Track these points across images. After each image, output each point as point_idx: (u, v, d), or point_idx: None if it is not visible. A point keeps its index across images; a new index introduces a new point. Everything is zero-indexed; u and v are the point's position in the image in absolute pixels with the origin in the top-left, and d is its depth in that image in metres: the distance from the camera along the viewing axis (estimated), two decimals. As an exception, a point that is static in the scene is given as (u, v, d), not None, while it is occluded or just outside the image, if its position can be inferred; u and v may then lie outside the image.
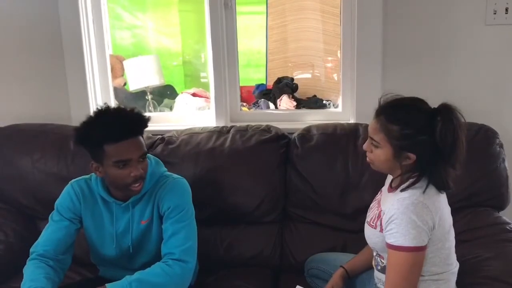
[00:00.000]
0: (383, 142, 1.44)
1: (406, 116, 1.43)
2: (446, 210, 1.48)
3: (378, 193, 1.64)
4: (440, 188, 1.44)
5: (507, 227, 1.85)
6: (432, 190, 1.43)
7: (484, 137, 2.03)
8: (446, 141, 1.37)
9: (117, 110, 1.63)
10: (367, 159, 1.53)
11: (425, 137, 1.39)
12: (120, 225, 1.72)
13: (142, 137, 1.63)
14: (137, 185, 1.62)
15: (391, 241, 1.40)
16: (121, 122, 1.57)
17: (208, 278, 1.96)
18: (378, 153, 1.47)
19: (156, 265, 1.62)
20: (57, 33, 2.34)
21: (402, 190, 1.44)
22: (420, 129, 1.40)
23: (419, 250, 1.38)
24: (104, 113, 1.60)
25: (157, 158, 1.81)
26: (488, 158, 2.01)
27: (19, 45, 2.41)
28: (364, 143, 1.53)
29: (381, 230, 1.47)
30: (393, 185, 1.52)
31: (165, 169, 1.80)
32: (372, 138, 1.47)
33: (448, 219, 1.48)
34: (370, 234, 1.56)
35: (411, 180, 1.44)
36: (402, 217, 1.38)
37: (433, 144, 1.38)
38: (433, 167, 1.42)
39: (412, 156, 1.42)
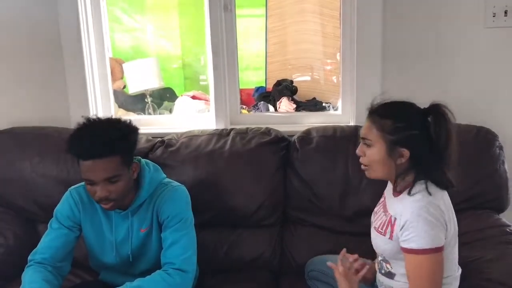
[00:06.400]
0: (376, 139, 1.45)
1: (399, 111, 1.46)
2: (453, 211, 1.48)
3: (382, 197, 1.63)
4: (443, 187, 1.44)
5: (507, 229, 1.85)
6: (438, 190, 1.43)
7: (484, 139, 2.04)
8: (440, 138, 1.39)
9: (91, 127, 1.56)
10: (362, 166, 1.52)
11: (418, 132, 1.41)
12: (119, 233, 1.71)
13: (121, 156, 1.54)
14: (103, 205, 1.60)
15: (411, 245, 1.38)
16: (86, 142, 1.51)
17: (208, 282, 1.96)
18: (372, 153, 1.47)
19: (156, 273, 1.61)
20: (57, 36, 2.33)
21: (411, 194, 1.43)
22: (413, 123, 1.42)
23: (439, 250, 1.38)
24: (80, 128, 1.56)
25: (156, 165, 1.78)
26: (488, 160, 2.01)
27: (18, 48, 2.40)
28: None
29: (391, 237, 1.46)
30: (398, 189, 1.51)
31: (164, 175, 1.78)
32: (364, 138, 1.48)
33: (454, 220, 1.48)
34: (378, 241, 1.54)
35: (410, 181, 1.44)
36: (418, 219, 1.38)
37: (426, 139, 1.40)
38: (427, 167, 1.43)
39: (406, 152, 1.42)
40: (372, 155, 1.47)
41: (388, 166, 1.47)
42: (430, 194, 1.41)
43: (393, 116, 1.43)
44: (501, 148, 2.04)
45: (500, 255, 1.70)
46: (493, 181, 2.00)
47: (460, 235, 1.81)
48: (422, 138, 1.41)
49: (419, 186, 1.43)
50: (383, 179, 1.55)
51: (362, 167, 1.53)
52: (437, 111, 1.42)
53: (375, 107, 1.50)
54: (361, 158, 1.52)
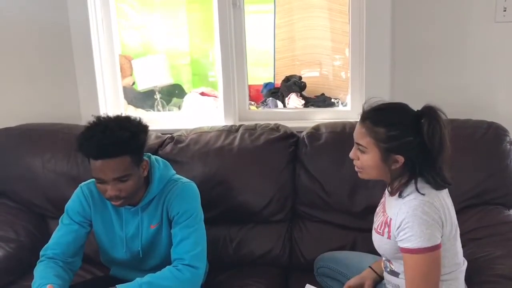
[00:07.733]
0: (370, 146, 1.44)
1: (392, 118, 1.44)
2: (451, 207, 1.48)
3: (382, 197, 1.63)
4: (437, 187, 1.43)
5: (518, 225, 1.85)
6: (432, 189, 1.42)
7: (494, 135, 2.02)
8: (433, 142, 1.37)
9: (101, 127, 1.56)
10: (355, 167, 1.52)
11: (412, 138, 1.39)
12: (129, 229, 1.73)
13: (131, 156, 1.56)
14: (114, 202, 1.62)
15: (407, 245, 1.39)
16: (96, 143, 1.51)
17: (217, 277, 1.97)
18: (365, 159, 1.46)
19: (166, 269, 1.63)
20: (67, 34, 2.35)
21: (402, 196, 1.43)
22: (407, 130, 1.40)
23: (435, 249, 1.38)
24: (90, 128, 1.57)
25: (165, 161, 1.79)
26: (498, 156, 1.99)
27: (29, 46, 2.42)
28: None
29: (389, 237, 1.47)
30: (389, 189, 1.52)
31: (174, 172, 1.79)
32: (358, 144, 1.47)
33: (454, 215, 1.48)
34: (378, 241, 1.54)
35: (405, 183, 1.44)
36: (413, 219, 1.38)
37: (420, 145, 1.39)
38: (422, 170, 1.42)
39: (400, 159, 1.42)
40: (366, 161, 1.47)
41: (382, 171, 1.46)
42: (422, 194, 1.40)
43: (386, 124, 1.42)
44: (511, 143, 2.02)
45: (511, 251, 1.69)
46: (503, 176, 1.99)
47: (470, 231, 1.81)
48: (416, 144, 1.39)
49: (411, 188, 1.42)
50: (378, 179, 1.54)
51: (356, 168, 1.53)
52: (430, 114, 1.40)
53: (367, 112, 1.48)
54: (354, 161, 1.52)
